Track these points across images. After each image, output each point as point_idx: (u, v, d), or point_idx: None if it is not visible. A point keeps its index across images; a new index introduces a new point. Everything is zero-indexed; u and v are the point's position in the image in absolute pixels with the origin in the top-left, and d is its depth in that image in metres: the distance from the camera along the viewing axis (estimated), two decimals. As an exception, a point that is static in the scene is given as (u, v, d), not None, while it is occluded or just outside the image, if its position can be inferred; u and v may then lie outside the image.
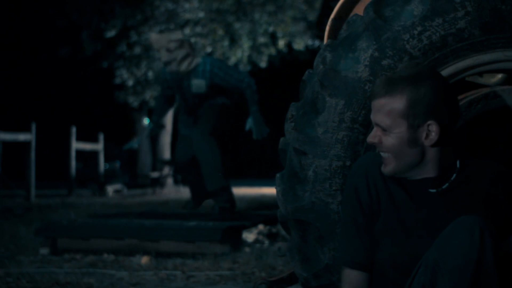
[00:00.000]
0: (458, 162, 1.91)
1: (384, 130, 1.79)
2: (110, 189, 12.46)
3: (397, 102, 1.76)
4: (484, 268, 1.59)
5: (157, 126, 6.19)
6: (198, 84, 5.51)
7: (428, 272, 1.65)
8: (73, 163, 12.01)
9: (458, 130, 2.00)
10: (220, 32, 14.33)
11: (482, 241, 1.59)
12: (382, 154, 1.82)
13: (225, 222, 4.60)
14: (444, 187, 1.85)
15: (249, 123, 5.48)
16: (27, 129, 10.22)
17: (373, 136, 1.81)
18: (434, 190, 1.85)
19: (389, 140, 1.79)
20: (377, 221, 1.87)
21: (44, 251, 4.40)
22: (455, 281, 1.59)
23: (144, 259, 4.09)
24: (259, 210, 7.34)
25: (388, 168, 1.82)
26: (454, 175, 1.89)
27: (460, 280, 1.58)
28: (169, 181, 15.29)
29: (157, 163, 15.89)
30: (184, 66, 5.49)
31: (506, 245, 1.71)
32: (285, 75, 19.11)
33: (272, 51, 15.23)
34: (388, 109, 1.77)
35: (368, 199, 1.88)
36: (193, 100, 5.65)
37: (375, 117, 1.80)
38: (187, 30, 14.06)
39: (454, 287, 1.59)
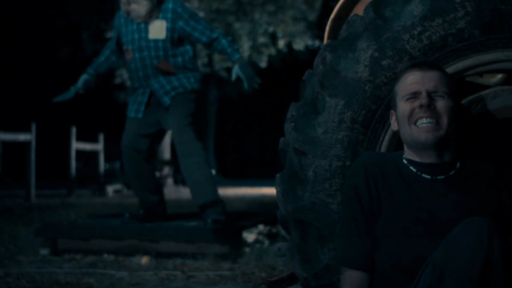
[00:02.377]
0: (458, 163, 1.92)
1: (441, 96, 1.88)
2: (110, 189, 12.46)
3: (448, 76, 1.94)
4: (492, 269, 1.58)
5: (92, 80, 4.77)
6: (157, 27, 4.43)
7: (435, 273, 1.65)
8: (73, 163, 12.01)
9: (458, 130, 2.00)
10: (220, 32, 14.32)
11: (490, 242, 1.59)
12: (429, 119, 1.86)
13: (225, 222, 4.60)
14: (451, 173, 1.87)
15: (236, 73, 4.41)
16: (27, 129, 10.22)
17: (426, 102, 1.87)
18: (442, 176, 1.86)
19: (448, 103, 1.88)
20: (377, 221, 1.87)
21: (44, 251, 4.41)
22: (463, 282, 1.58)
23: (144, 259, 4.09)
24: (259, 210, 7.34)
25: (440, 132, 1.86)
26: (453, 171, 1.90)
27: (467, 281, 1.58)
28: (169, 181, 15.30)
29: (157, 163, 15.90)
30: (148, 9, 4.40)
31: (507, 245, 1.71)
32: (285, 75, 19.12)
33: (272, 51, 15.24)
34: (447, 80, 1.92)
35: (368, 198, 1.88)
36: (148, 52, 4.43)
37: (430, 85, 1.89)
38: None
39: (461, 287, 1.58)
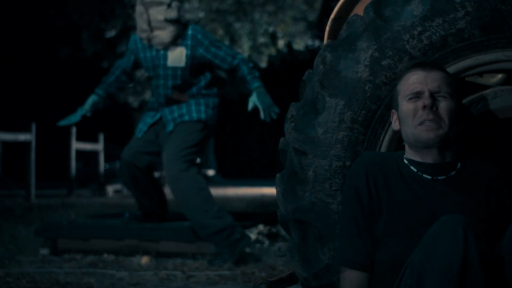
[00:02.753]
0: (459, 164, 1.92)
1: (444, 97, 1.88)
2: (110, 189, 12.45)
3: (450, 76, 1.94)
4: (470, 268, 1.58)
5: (101, 102, 4.54)
6: (176, 54, 4.24)
7: (415, 274, 1.65)
8: (73, 163, 12.00)
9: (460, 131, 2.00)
10: (220, 32, 14.33)
11: (466, 241, 1.59)
12: (432, 121, 1.85)
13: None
14: (451, 173, 1.87)
15: (253, 102, 4.17)
16: (27, 129, 10.21)
17: (429, 102, 1.87)
18: (442, 177, 1.86)
19: (451, 104, 1.87)
20: (378, 221, 1.87)
21: (44, 251, 4.41)
22: (442, 282, 1.58)
23: (144, 259, 4.09)
24: (259, 210, 7.34)
25: (442, 132, 1.86)
26: (454, 172, 1.90)
27: (446, 281, 1.58)
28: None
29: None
30: (172, 35, 4.20)
31: (497, 247, 1.71)
32: (285, 75, 19.12)
33: (272, 51, 15.23)
34: (450, 80, 1.92)
35: (368, 198, 1.88)
36: (165, 81, 4.27)
37: (433, 86, 1.88)
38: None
39: None
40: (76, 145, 12.15)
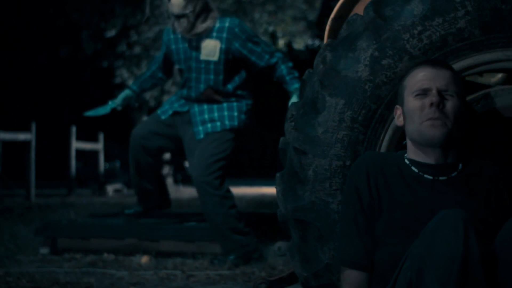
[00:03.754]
0: (460, 164, 1.92)
1: (451, 96, 1.87)
2: (110, 188, 12.46)
3: (458, 76, 1.95)
4: (470, 263, 1.59)
5: (134, 97, 4.36)
6: (210, 47, 3.99)
7: (415, 269, 1.65)
8: (73, 163, 12.01)
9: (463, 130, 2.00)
10: (220, 32, 14.30)
11: (466, 235, 1.59)
12: (438, 119, 1.85)
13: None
14: (453, 174, 1.88)
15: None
16: (27, 129, 10.21)
17: (437, 100, 1.86)
18: (444, 178, 1.87)
19: (457, 104, 1.87)
20: (378, 221, 1.87)
21: (44, 250, 4.40)
22: (442, 277, 1.59)
23: (144, 259, 4.09)
24: (259, 210, 7.34)
25: (447, 130, 1.85)
26: (455, 173, 1.90)
27: (446, 275, 1.58)
28: (169, 180, 15.30)
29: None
30: (198, 26, 3.99)
31: (493, 244, 1.71)
32: (285, 75, 19.13)
33: (272, 50, 15.21)
34: (457, 79, 1.92)
35: (368, 198, 1.88)
36: (198, 74, 4.04)
37: (441, 84, 1.88)
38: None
39: (441, 283, 1.59)
40: (76, 144, 12.15)
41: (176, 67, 4.22)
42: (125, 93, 4.31)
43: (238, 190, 13.02)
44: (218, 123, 3.98)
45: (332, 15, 2.43)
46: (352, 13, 2.37)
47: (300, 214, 2.11)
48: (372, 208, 1.88)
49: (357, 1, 2.39)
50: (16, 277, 3.48)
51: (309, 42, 15.62)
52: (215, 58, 3.97)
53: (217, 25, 3.97)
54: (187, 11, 3.93)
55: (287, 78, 3.98)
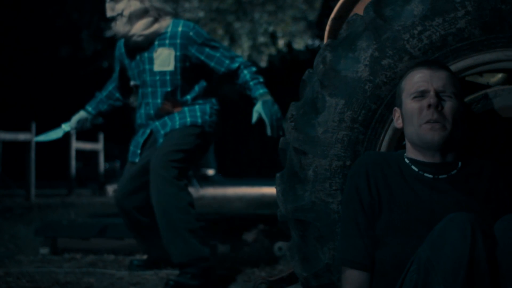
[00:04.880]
0: (460, 163, 1.92)
1: (449, 97, 1.88)
2: (110, 188, 12.44)
3: (455, 76, 1.95)
4: (477, 265, 1.59)
5: (90, 119, 3.94)
6: (163, 56, 3.55)
7: (421, 270, 1.66)
8: (73, 163, 12.01)
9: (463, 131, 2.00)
10: (220, 31, 14.33)
11: (474, 238, 1.60)
12: (436, 121, 1.85)
13: (225, 221, 4.60)
14: (453, 172, 1.88)
15: (257, 113, 3.46)
16: (27, 129, 10.21)
17: (435, 101, 1.86)
18: (444, 176, 1.87)
19: (455, 105, 1.88)
20: (378, 220, 1.87)
21: (44, 250, 4.41)
22: (449, 279, 1.59)
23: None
24: (259, 210, 7.34)
25: (446, 133, 1.86)
26: (455, 171, 1.90)
27: (453, 278, 1.59)
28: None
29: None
30: (138, 28, 3.53)
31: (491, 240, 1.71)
32: (285, 75, 19.13)
33: (272, 51, 15.23)
34: (455, 80, 1.93)
35: (369, 198, 1.88)
36: (154, 88, 3.58)
37: (438, 85, 1.88)
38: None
39: (448, 285, 1.59)
40: (76, 144, 12.15)
41: (132, 83, 3.77)
42: (80, 115, 3.90)
43: (239, 191, 13.01)
44: (177, 122, 3.55)
45: (332, 15, 2.43)
46: (352, 13, 2.37)
47: (300, 214, 2.11)
48: (372, 207, 1.88)
49: (357, 1, 2.39)
50: (16, 277, 3.48)
51: (309, 42, 15.63)
52: (170, 67, 3.54)
53: (169, 30, 3.55)
54: (117, 13, 3.55)
55: (251, 83, 3.56)
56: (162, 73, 3.55)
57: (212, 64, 3.57)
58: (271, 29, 14.76)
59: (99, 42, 14.44)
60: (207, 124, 3.58)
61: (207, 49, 3.56)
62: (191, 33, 3.53)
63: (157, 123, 3.60)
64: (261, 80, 3.58)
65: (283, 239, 4.73)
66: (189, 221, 3.35)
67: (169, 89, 3.56)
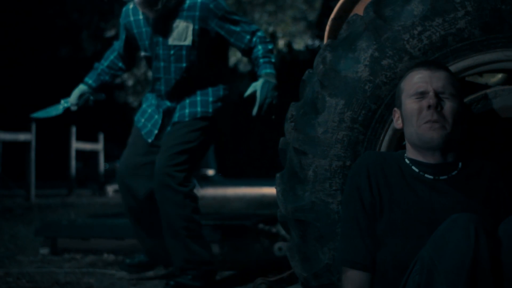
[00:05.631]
0: (460, 163, 1.92)
1: (448, 97, 1.87)
2: (110, 189, 12.45)
3: (454, 77, 1.95)
4: (480, 266, 1.59)
5: (91, 93, 3.56)
6: (180, 29, 3.27)
7: (424, 271, 1.66)
8: (73, 163, 12.01)
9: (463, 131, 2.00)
10: (220, 32, 14.31)
11: (477, 239, 1.60)
12: (436, 122, 1.85)
13: (225, 221, 4.60)
14: (453, 173, 1.88)
15: (253, 88, 3.23)
16: (27, 129, 10.21)
17: (434, 102, 1.86)
18: (444, 177, 1.87)
19: (455, 105, 1.87)
20: (379, 221, 1.87)
21: (44, 251, 4.41)
22: (452, 280, 1.59)
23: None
24: (259, 210, 7.34)
25: (446, 133, 1.85)
26: (455, 171, 1.90)
27: (456, 279, 1.59)
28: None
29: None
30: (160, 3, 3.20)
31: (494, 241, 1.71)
32: (285, 75, 19.17)
33: (272, 51, 15.22)
34: (454, 80, 1.92)
35: (370, 198, 1.88)
36: (167, 63, 3.33)
37: (438, 85, 1.88)
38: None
39: (450, 286, 1.59)
40: (76, 145, 12.16)
41: (142, 54, 3.48)
42: (79, 89, 3.53)
43: (239, 191, 13.02)
44: (187, 111, 3.32)
45: (332, 16, 2.43)
46: (352, 14, 2.37)
47: (300, 214, 2.11)
48: (373, 207, 1.88)
49: (357, 1, 2.39)
50: (16, 278, 3.48)
51: (309, 42, 15.64)
52: (187, 42, 3.26)
53: (188, 1, 3.25)
54: None
55: (261, 60, 3.30)
56: (178, 48, 3.29)
57: (232, 40, 3.31)
58: (271, 29, 14.76)
59: (99, 42, 14.44)
60: (218, 112, 3.36)
61: (227, 23, 3.28)
62: (211, 5, 3.24)
63: (168, 103, 3.37)
64: (273, 60, 3.35)
65: (283, 240, 4.73)
66: (192, 229, 3.25)
67: (184, 65, 3.31)
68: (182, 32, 3.25)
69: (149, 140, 3.39)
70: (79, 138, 12.37)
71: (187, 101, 3.34)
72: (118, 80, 14.78)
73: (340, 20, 2.40)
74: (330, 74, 2.09)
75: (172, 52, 3.29)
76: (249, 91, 3.22)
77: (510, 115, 2.07)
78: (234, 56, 14.78)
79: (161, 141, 3.35)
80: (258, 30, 3.35)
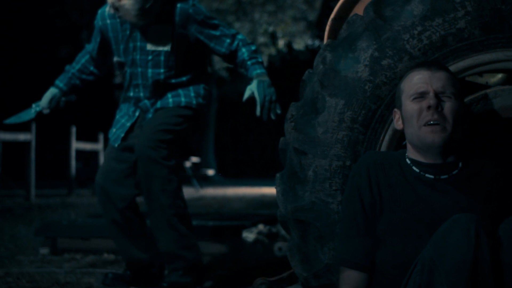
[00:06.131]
0: (460, 163, 1.93)
1: (449, 97, 1.87)
2: (110, 189, 12.43)
3: (454, 77, 1.94)
4: (481, 266, 1.60)
5: (61, 96, 3.45)
6: (159, 34, 3.19)
7: (425, 271, 1.66)
8: (73, 163, 12.01)
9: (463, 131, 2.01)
10: (220, 32, 14.33)
11: (477, 239, 1.60)
12: (436, 122, 1.85)
13: (225, 221, 4.60)
14: (454, 173, 1.88)
15: (250, 91, 3.13)
16: (27, 129, 10.21)
17: (435, 103, 1.86)
18: (445, 176, 1.87)
19: (455, 105, 1.87)
20: (379, 221, 1.87)
21: (44, 251, 4.41)
22: (452, 280, 1.59)
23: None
24: (259, 210, 7.34)
25: (446, 134, 1.85)
26: (456, 171, 1.90)
27: (457, 279, 1.59)
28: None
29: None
30: (148, 10, 3.10)
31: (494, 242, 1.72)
32: (285, 75, 19.16)
33: (272, 51, 15.25)
34: (454, 80, 1.92)
35: (370, 198, 1.88)
36: (144, 69, 3.22)
37: (438, 86, 1.88)
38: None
39: (451, 286, 1.59)
40: (76, 145, 12.15)
41: (115, 59, 3.38)
42: (50, 92, 3.44)
43: (239, 191, 13.01)
44: (171, 100, 3.24)
45: (332, 16, 2.43)
46: (352, 14, 2.37)
47: (300, 214, 2.11)
48: (373, 207, 1.88)
49: (357, 1, 2.39)
50: (16, 278, 3.48)
51: (309, 42, 15.65)
52: (166, 48, 3.18)
53: (167, 6, 3.16)
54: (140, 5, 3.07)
55: (248, 63, 3.21)
56: (156, 53, 3.19)
57: (211, 44, 3.23)
58: (271, 29, 14.78)
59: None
60: (201, 107, 3.28)
61: (207, 28, 3.21)
62: (190, 10, 3.17)
63: (146, 101, 3.27)
64: (260, 59, 3.26)
65: (283, 240, 4.73)
66: (179, 206, 3.13)
67: (162, 70, 3.22)
68: (161, 38, 3.18)
69: (115, 145, 3.27)
70: (79, 138, 12.36)
71: (169, 95, 3.25)
72: (118, 80, 14.78)
73: (340, 20, 2.40)
74: (330, 74, 2.09)
75: (150, 57, 3.21)
76: (246, 95, 3.14)
77: (510, 115, 2.07)
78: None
79: (133, 138, 3.23)
80: (237, 33, 3.29)
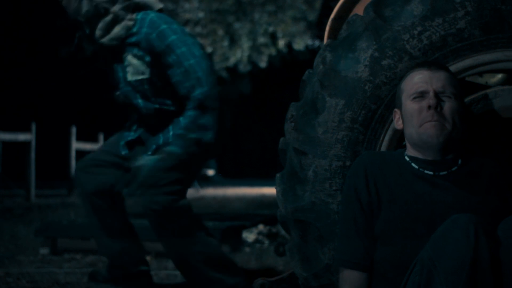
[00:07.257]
0: (460, 160, 1.93)
1: (449, 97, 1.87)
2: (110, 189, 12.44)
3: (455, 77, 1.95)
4: (480, 266, 1.60)
5: None
6: (134, 62, 2.98)
7: (424, 272, 1.66)
8: (73, 163, 12.00)
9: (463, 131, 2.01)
10: (220, 32, 14.33)
11: (477, 239, 1.60)
12: (436, 122, 1.85)
13: (225, 222, 4.60)
14: (453, 169, 1.88)
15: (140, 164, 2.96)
16: (27, 129, 10.21)
17: (435, 102, 1.86)
18: (444, 173, 1.87)
19: (455, 105, 1.87)
20: (378, 220, 1.88)
21: (44, 251, 4.41)
22: (452, 280, 1.59)
23: (144, 259, 4.09)
24: (259, 210, 7.34)
25: (446, 134, 1.85)
26: (455, 167, 1.91)
27: (456, 279, 1.59)
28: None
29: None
30: (98, 32, 2.99)
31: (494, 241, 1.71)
32: (285, 75, 19.14)
33: (272, 51, 15.24)
34: (454, 80, 1.92)
35: (368, 198, 1.88)
36: (134, 100, 3.05)
37: (438, 86, 1.88)
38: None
39: (450, 286, 1.59)
40: (76, 145, 12.15)
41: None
42: None
43: (239, 191, 13.01)
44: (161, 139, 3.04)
45: (332, 16, 2.43)
46: (352, 14, 2.37)
47: (300, 215, 2.11)
48: (371, 207, 1.88)
49: (357, 1, 2.39)
50: (16, 278, 3.48)
51: (309, 42, 15.65)
52: (145, 75, 2.95)
53: (135, 29, 2.96)
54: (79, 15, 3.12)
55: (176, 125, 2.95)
56: (139, 82, 2.98)
57: (172, 80, 2.92)
58: (271, 29, 14.77)
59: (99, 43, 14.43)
60: (181, 151, 2.93)
61: (169, 59, 2.90)
62: (153, 35, 2.91)
63: (146, 134, 3.10)
64: (188, 135, 2.91)
65: (283, 240, 4.73)
66: (205, 251, 2.94)
67: (153, 99, 3.01)
68: (138, 66, 2.96)
69: (123, 152, 3.13)
70: (79, 138, 12.36)
71: (161, 138, 3.01)
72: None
73: (340, 20, 2.40)
74: (330, 74, 2.09)
75: (136, 88, 3.02)
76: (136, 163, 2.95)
77: (510, 115, 2.07)
78: (234, 57, 14.78)
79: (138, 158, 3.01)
80: (201, 85, 2.90)
